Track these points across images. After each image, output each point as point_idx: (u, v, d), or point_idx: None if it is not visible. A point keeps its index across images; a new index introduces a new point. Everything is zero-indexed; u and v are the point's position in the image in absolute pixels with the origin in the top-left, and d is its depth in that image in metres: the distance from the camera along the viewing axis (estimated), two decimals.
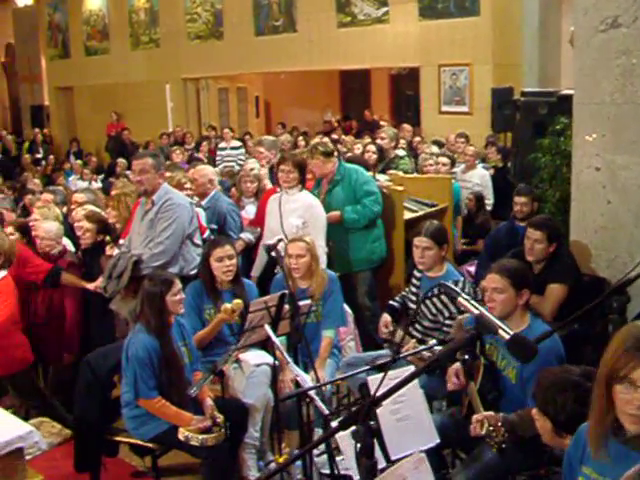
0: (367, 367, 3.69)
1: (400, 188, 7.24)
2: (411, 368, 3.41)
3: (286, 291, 4.59)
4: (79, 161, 17.45)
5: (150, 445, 4.81)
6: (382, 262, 6.95)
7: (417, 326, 5.19)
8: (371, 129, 16.36)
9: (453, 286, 3.26)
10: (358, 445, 2.32)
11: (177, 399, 4.72)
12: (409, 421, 3.54)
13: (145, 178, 5.84)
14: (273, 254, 4.91)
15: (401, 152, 9.16)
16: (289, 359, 4.18)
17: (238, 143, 15.29)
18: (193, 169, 7.73)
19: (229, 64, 18.41)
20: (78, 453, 5.14)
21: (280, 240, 5.01)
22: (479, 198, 8.95)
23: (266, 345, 5.09)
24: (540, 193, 7.08)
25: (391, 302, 5.60)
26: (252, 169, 7.91)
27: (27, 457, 4.20)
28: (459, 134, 10.91)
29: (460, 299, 2.43)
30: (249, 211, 7.60)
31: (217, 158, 14.94)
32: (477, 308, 2.36)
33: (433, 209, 7.49)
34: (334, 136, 15.64)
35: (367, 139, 11.64)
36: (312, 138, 14.40)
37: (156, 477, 4.93)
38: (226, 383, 5.25)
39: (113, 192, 7.49)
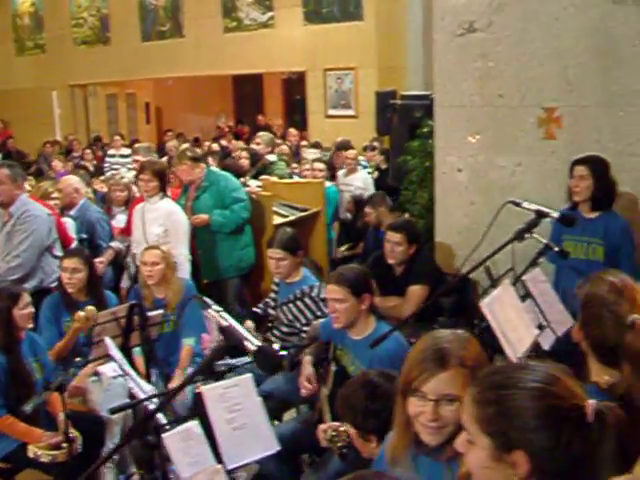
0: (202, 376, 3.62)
1: (268, 193, 7.21)
2: (247, 376, 3.34)
3: (134, 301, 4.50)
4: None
5: (1, 465, 4.64)
6: (251, 268, 6.91)
7: (275, 332, 5.17)
8: None
9: (209, 300, 3.22)
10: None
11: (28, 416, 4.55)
12: (246, 429, 3.48)
13: (1, 189, 5.67)
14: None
15: (272, 157, 9.12)
16: (130, 370, 4.07)
17: (127, 151, 15.02)
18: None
19: (117, 70, 18.13)
20: None
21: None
22: (358, 201, 8.96)
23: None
24: (410, 195, 7.14)
25: (254, 309, 5.58)
26: (122, 178, 7.77)
27: None
28: (338, 145, 10.86)
29: (209, 311, 2.39)
30: (120, 220, 7.45)
31: (105, 165, 14.65)
32: (226, 320, 2.33)
33: (305, 214, 7.48)
34: (223, 142, 15.53)
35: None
36: (203, 144, 14.33)
37: None
38: (85, 396, 5.12)
39: None
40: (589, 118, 5.54)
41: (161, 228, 6.16)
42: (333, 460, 3.87)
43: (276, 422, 4.91)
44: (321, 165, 8.67)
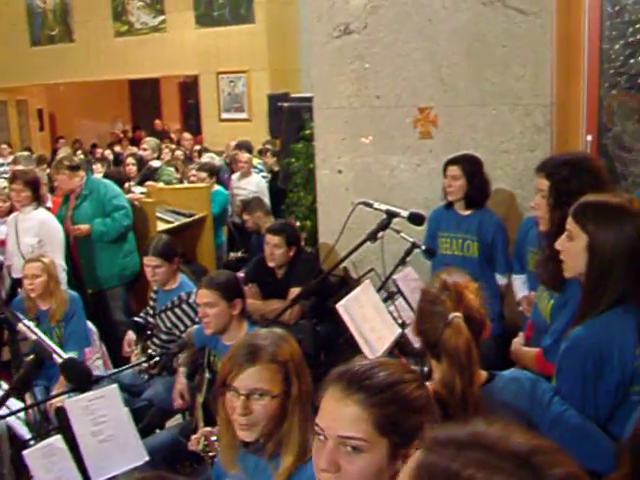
0: (68, 390, 3.54)
1: (151, 200, 7.12)
2: (112, 387, 3.28)
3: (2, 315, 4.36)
4: None
5: None
6: (136, 276, 6.78)
7: (155, 340, 5.09)
8: (160, 139, 16.15)
9: (19, 314, 3.17)
10: None
11: None
12: (113, 441, 3.41)
13: None
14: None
15: (157, 163, 9.02)
16: None
17: None
18: None
19: (4, 75, 17.66)
20: None
21: None
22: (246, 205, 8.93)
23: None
24: (296, 197, 7.16)
25: (135, 318, 5.49)
26: (4, 187, 7.54)
27: None
28: (238, 144, 10.89)
29: (20, 325, 2.35)
30: (2, 231, 7.23)
31: None
32: (36, 334, 2.29)
33: (190, 219, 7.41)
34: (117, 148, 15.31)
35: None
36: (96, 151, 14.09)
37: None
38: None
39: None
40: (464, 117, 5.64)
41: (35, 238, 6.02)
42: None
43: (158, 430, 4.85)
44: (202, 174, 8.49)
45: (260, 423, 2.31)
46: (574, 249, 2.51)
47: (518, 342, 3.40)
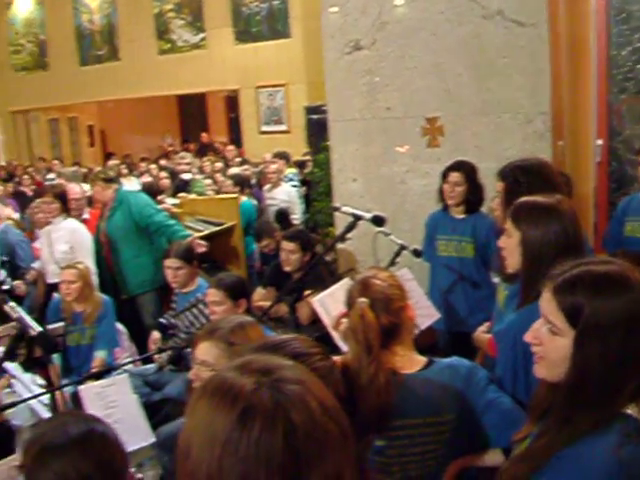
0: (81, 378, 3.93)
1: (179, 210, 7.53)
2: (123, 376, 3.66)
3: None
4: None
5: None
6: (166, 282, 7.14)
7: (176, 339, 5.47)
8: (206, 151, 16.64)
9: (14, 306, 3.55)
10: None
11: None
12: (122, 424, 3.78)
13: None
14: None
15: (187, 176, 9.44)
16: (18, 374, 4.34)
17: None
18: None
19: (56, 95, 18.40)
20: None
21: None
22: (279, 215, 9.26)
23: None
24: (319, 205, 7.50)
25: (160, 320, 5.86)
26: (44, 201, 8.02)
27: None
28: (275, 154, 11.22)
29: (5, 307, 2.75)
30: (43, 242, 7.70)
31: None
32: (18, 313, 2.70)
33: (219, 228, 7.78)
34: (163, 162, 15.78)
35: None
36: (139, 165, 14.55)
37: None
38: None
39: None
40: (469, 126, 5.93)
41: (67, 245, 6.50)
42: None
43: None
44: (228, 181, 8.88)
45: None
46: (511, 245, 2.81)
47: (481, 330, 3.69)
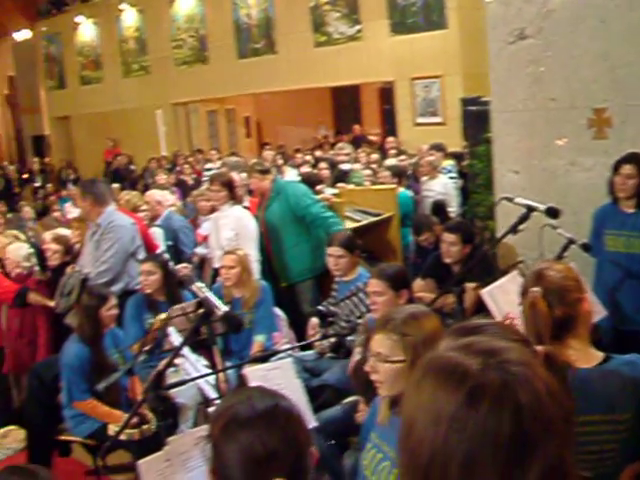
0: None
1: (339, 200, 7.60)
2: (287, 361, 3.75)
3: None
4: (74, 188, 17.83)
5: (89, 442, 5.29)
6: (325, 269, 7.23)
7: (335, 327, 5.54)
8: (359, 143, 16.72)
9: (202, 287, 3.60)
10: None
11: (109, 400, 5.15)
12: None
13: (82, 208, 6.44)
14: None
15: (346, 166, 9.51)
16: (187, 353, 4.49)
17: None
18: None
19: (215, 87, 18.96)
20: (31, 453, 5.66)
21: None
22: (436, 207, 9.20)
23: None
24: (478, 198, 7.41)
25: (319, 307, 5.97)
26: (207, 189, 8.27)
27: None
28: (431, 145, 11.13)
29: (192, 287, 2.83)
30: (205, 228, 7.96)
31: (203, 179, 15.31)
32: (204, 294, 2.77)
33: (377, 218, 7.81)
34: (318, 153, 15.99)
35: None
36: (295, 155, 14.80)
37: (106, 474, 5.32)
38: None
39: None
40: (638, 116, 5.71)
41: (232, 232, 6.69)
42: None
43: None
44: (386, 173, 8.90)
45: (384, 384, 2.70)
46: None
47: None
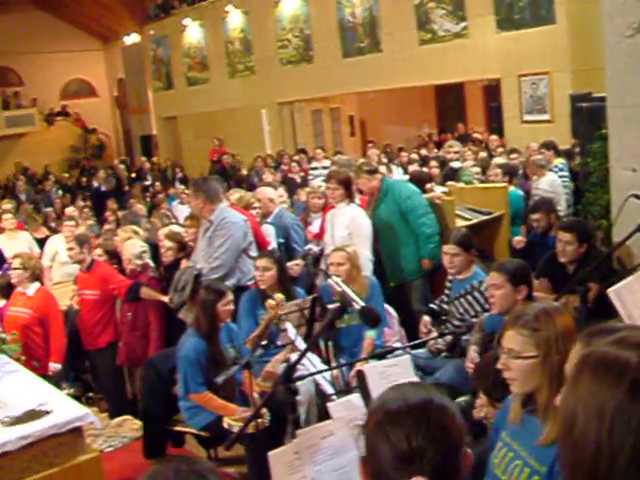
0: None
1: (450, 198, 7.56)
2: (406, 357, 3.74)
3: (316, 295, 5.01)
4: (182, 186, 18.22)
5: (203, 434, 5.47)
6: (437, 268, 7.20)
7: (449, 325, 5.52)
8: (464, 141, 16.57)
9: (338, 281, 3.61)
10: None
11: (224, 393, 5.30)
12: None
13: (194, 205, 6.74)
14: None
15: (457, 164, 9.44)
16: (303, 346, 4.54)
17: (329, 162, 15.73)
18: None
19: (320, 86, 19.12)
20: (146, 442, 5.87)
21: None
22: (541, 204, 9.00)
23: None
24: (591, 197, 7.25)
25: (431, 305, 5.95)
26: (319, 186, 8.35)
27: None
28: (541, 143, 10.92)
29: (330, 280, 2.86)
30: (316, 225, 8.04)
31: (309, 177, 15.44)
32: (341, 287, 2.80)
33: (487, 217, 7.74)
34: (423, 151, 15.93)
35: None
36: (400, 154, 14.78)
37: (218, 466, 5.45)
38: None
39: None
40: None
41: (346, 231, 6.72)
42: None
43: None
44: (497, 170, 8.80)
45: (517, 381, 2.68)
46: None
47: None
